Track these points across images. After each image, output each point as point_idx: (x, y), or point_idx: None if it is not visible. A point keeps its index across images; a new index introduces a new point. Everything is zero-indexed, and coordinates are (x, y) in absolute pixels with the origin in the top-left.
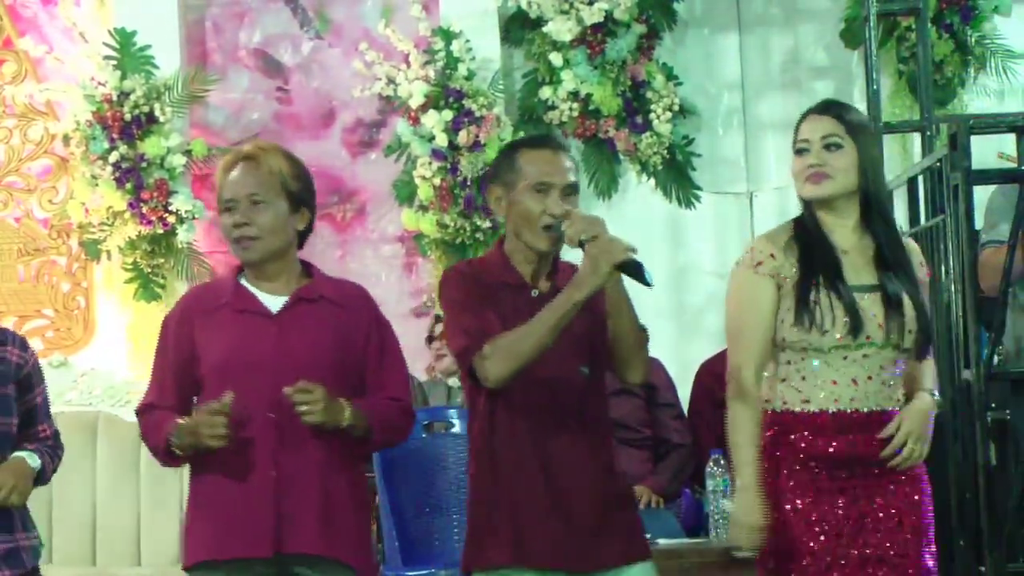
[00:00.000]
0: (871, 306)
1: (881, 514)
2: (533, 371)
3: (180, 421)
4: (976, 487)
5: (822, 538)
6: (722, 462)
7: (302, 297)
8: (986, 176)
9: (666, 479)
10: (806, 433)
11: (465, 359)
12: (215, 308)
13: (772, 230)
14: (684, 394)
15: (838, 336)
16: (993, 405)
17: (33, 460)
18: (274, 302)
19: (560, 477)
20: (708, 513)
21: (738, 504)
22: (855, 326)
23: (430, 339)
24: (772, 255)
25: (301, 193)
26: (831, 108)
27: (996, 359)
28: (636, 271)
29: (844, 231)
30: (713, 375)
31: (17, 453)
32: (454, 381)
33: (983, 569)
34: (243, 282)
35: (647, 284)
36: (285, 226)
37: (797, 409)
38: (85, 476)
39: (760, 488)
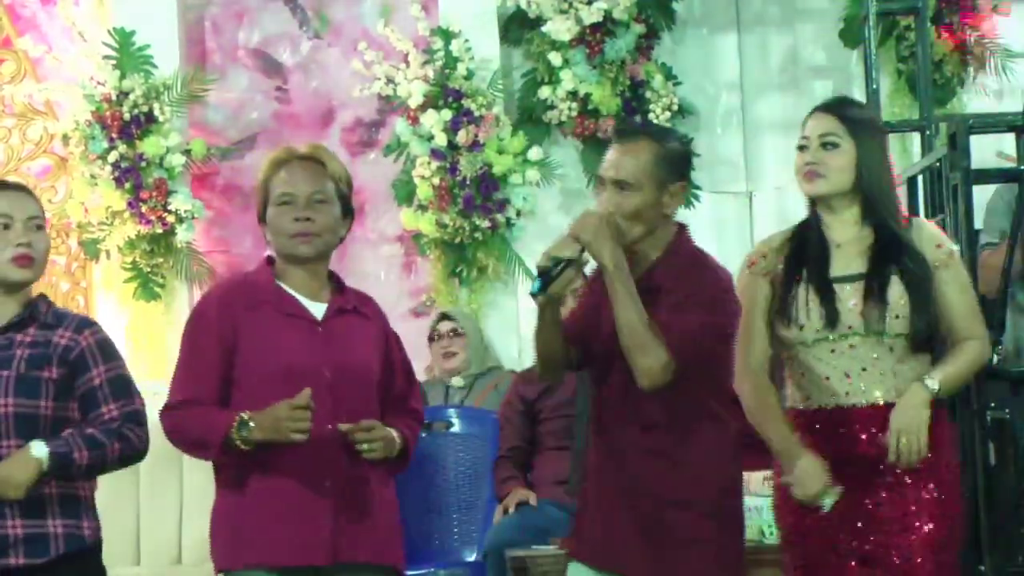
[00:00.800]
0: (851, 296)
1: (887, 512)
2: (604, 371)
3: (243, 414)
4: (976, 486)
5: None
6: None
7: (341, 307)
8: (985, 176)
9: None
10: (807, 430)
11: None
12: (257, 306)
13: (785, 229)
14: None
15: (815, 329)
16: (992, 404)
17: (38, 449)
18: (314, 308)
19: (619, 480)
20: None
21: (802, 471)
22: (830, 317)
23: (431, 338)
24: (764, 255)
25: (350, 201)
26: (835, 106)
27: (995, 358)
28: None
29: (843, 226)
30: None
31: (30, 443)
32: (456, 381)
33: (983, 568)
34: (282, 284)
35: (530, 293)
36: (337, 229)
37: (800, 407)
38: None
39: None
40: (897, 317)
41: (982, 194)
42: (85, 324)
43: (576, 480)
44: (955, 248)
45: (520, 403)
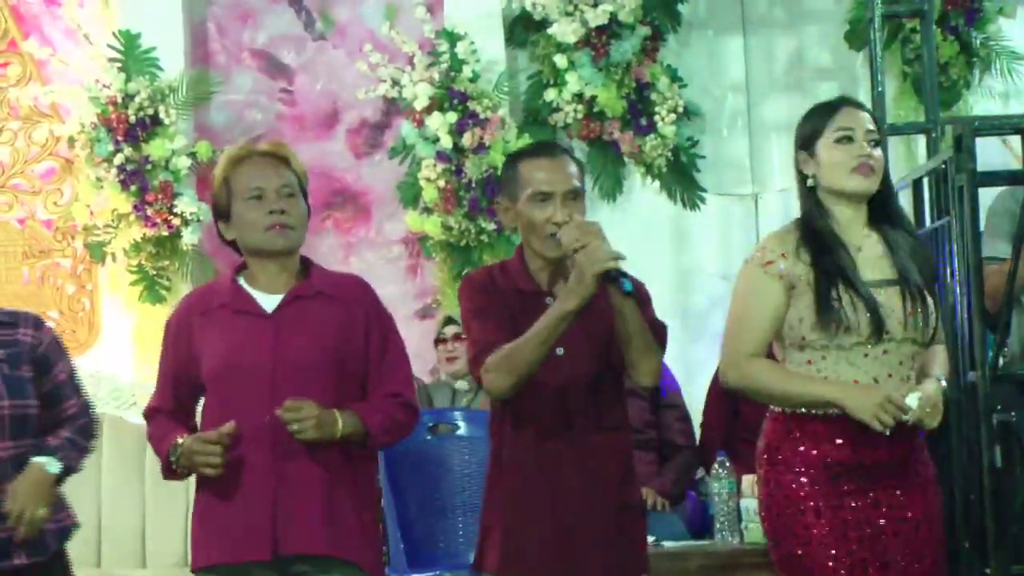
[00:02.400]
0: (889, 300)
1: (898, 518)
2: (543, 378)
3: (179, 440)
4: (981, 489)
5: (845, 543)
6: (727, 464)
7: (298, 295)
8: (991, 178)
9: (671, 481)
10: (825, 435)
11: (474, 370)
12: (212, 309)
13: (779, 230)
14: (689, 395)
15: (862, 334)
16: (998, 407)
17: (53, 466)
18: (270, 301)
19: (567, 485)
20: (713, 515)
21: (853, 400)
22: (877, 323)
23: (437, 342)
24: (783, 255)
25: (306, 195)
26: (861, 104)
27: (1001, 361)
28: (614, 280)
29: (856, 227)
30: None
31: (36, 459)
32: (461, 384)
33: (988, 571)
34: (241, 282)
35: (624, 293)
36: (306, 223)
37: (820, 412)
38: (90, 478)
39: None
40: (928, 326)
41: (988, 196)
42: (40, 321)
43: None
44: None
45: None
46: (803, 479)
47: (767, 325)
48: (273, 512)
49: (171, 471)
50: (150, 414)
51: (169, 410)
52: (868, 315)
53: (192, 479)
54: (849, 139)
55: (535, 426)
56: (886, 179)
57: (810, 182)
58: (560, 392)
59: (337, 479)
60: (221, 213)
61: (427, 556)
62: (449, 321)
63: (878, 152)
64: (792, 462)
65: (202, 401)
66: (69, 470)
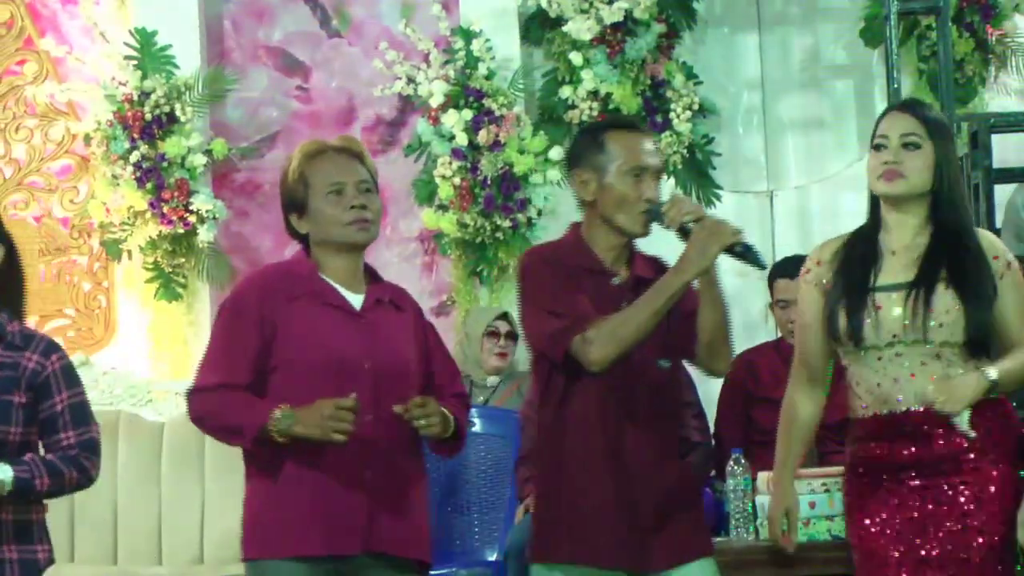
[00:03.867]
0: (895, 304)
1: (944, 514)
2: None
3: (287, 408)
4: None
5: (892, 544)
6: (743, 461)
7: (379, 298)
8: (1007, 174)
9: None
10: (865, 437)
11: (561, 342)
12: (297, 297)
13: (834, 238)
14: (703, 392)
15: (844, 343)
16: (1013, 404)
17: (3, 472)
18: (353, 299)
19: (629, 471)
20: (729, 512)
21: (771, 509)
22: (855, 331)
23: (487, 334)
24: (818, 262)
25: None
26: (913, 107)
27: None
28: (747, 253)
29: (904, 229)
30: (747, 367)
31: None
32: (493, 380)
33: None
34: (321, 274)
35: (760, 266)
36: (380, 219)
37: (858, 415)
38: (106, 475)
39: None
40: (941, 325)
41: (1004, 193)
42: (52, 348)
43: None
44: (1012, 259)
45: None
46: (849, 476)
47: (810, 337)
48: (369, 507)
49: (263, 441)
50: (211, 388)
51: (241, 386)
52: (849, 323)
53: (209, 478)
54: (882, 146)
55: (600, 411)
56: (940, 179)
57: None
58: (626, 378)
59: (416, 481)
60: (296, 207)
61: (443, 553)
62: (504, 317)
63: (916, 155)
64: (848, 463)
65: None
66: (28, 485)
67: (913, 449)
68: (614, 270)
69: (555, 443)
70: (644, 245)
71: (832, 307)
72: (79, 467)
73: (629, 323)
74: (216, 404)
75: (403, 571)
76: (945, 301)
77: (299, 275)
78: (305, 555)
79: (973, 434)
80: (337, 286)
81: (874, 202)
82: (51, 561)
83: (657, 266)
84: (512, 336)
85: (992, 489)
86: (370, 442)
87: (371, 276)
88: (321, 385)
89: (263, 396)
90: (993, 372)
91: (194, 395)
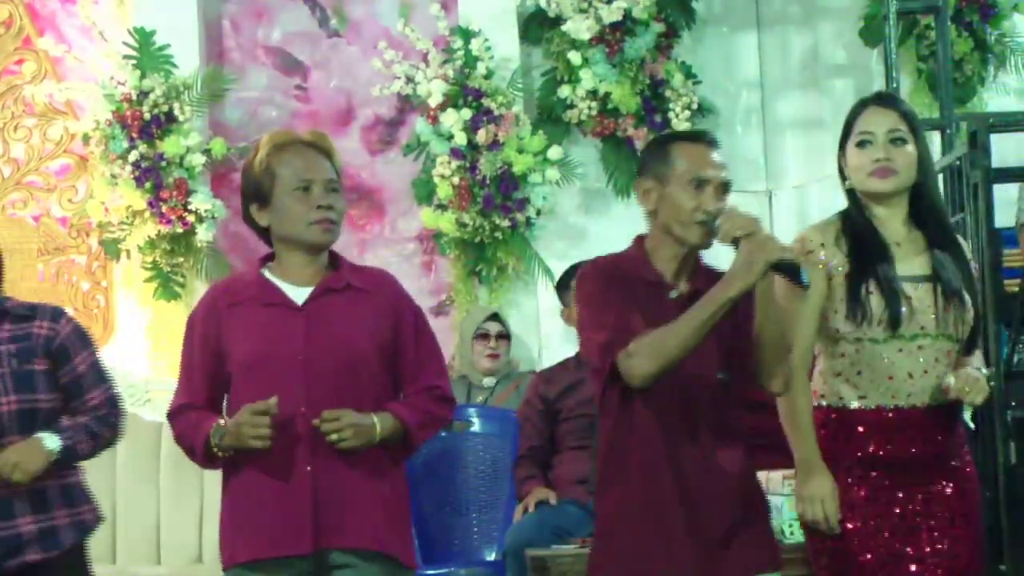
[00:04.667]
0: (924, 296)
1: (938, 512)
2: (671, 373)
3: (220, 421)
4: (996, 485)
5: (880, 537)
6: None
7: (329, 287)
8: (1006, 174)
9: None
10: (862, 430)
11: (608, 354)
12: (240, 302)
13: (820, 222)
14: None
15: (881, 325)
16: (1013, 404)
17: (52, 441)
18: (299, 294)
19: (691, 485)
20: None
21: (817, 491)
22: (894, 316)
23: (477, 336)
24: (822, 245)
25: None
26: (892, 101)
27: (1016, 358)
28: (791, 271)
29: (894, 224)
30: None
31: (38, 434)
32: (489, 381)
33: (1003, 568)
34: (267, 275)
35: (803, 286)
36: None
37: (854, 405)
38: (105, 475)
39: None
40: (964, 322)
41: (1002, 193)
42: (59, 313)
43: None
44: (976, 265)
45: (540, 403)
46: (838, 473)
47: (812, 318)
48: (314, 505)
49: (211, 457)
50: (177, 411)
51: (201, 404)
52: (887, 308)
53: (207, 477)
54: (868, 143)
55: (658, 425)
56: (923, 173)
57: (847, 183)
58: (684, 391)
59: (374, 473)
60: (259, 197)
61: (441, 553)
62: (494, 317)
63: (904, 151)
64: (829, 458)
65: (226, 397)
66: (72, 451)
67: (913, 448)
68: (673, 283)
69: (617, 454)
70: (716, 259)
71: (856, 290)
72: (110, 425)
73: (672, 338)
74: (179, 426)
75: (373, 564)
76: (966, 298)
77: (241, 282)
78: (256, 559)
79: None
80: (282, 283)
81: (855, 198)
82: (99, 519)
83: (718, 277)
84: (504, 336)
85: (973, 488)
86: (308, 437)
87: (335, 265)
88: (257, 384)
89: (230, 406)
90: (983, 368)
91: (169, 420)
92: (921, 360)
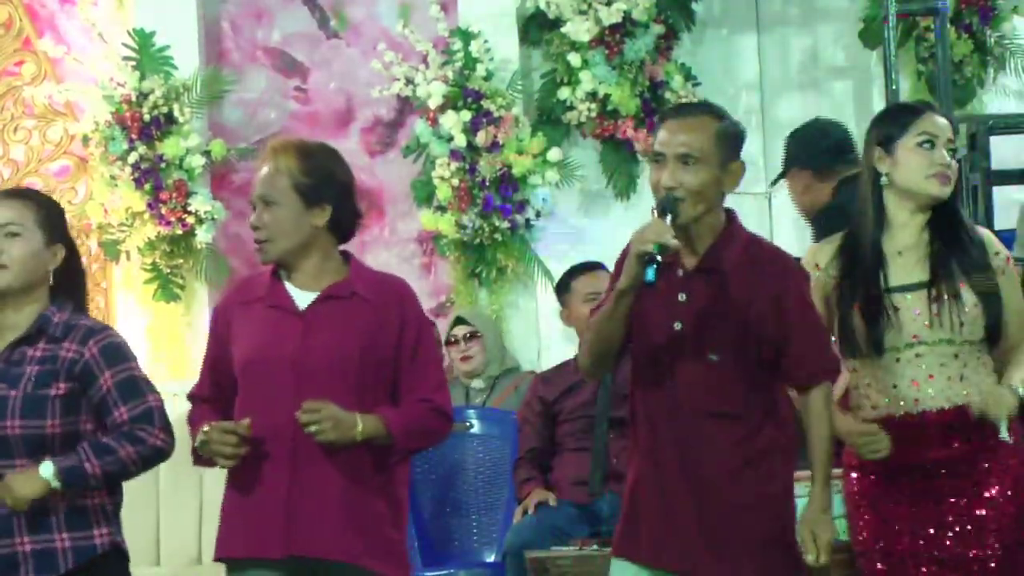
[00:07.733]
0: (914, 304)
1: (962, 515)
2: (658, 355)
3: (205, 427)
4: None
5: (890, 541)
6: None
7: (332, 295)
8: (1006, 176)
9: None
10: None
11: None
12: (250, 301)
13: (830, 237)
14: None
15: (863, 352)
16: None
17: (45, 468)
18: (305, 298)
19: (667, 475)
20: None
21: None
22: (876, 342)
23: (448, 342)
24: (817, 266)
25: (315, 189)
26: (945, 113)
27: None
28: (643, 265)
29: (911, 230)
30: None
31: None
32: (476, 383)
33: None
34: (281, 277)
35: (647, 283)
36: (299, 225)
37: (867, 416)
38: None
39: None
40: (963, 324)
41: (1002, 195)
42: (91, 334)
43: (599, 479)
44: (1008, 254)
45: (539, 404)
46: (854, 475)
47: None
48: (287, 511)
49: (198, 457)
50: (190, 399)
51: (206, 397)
52: (868, 333)
53: (207, 477)
54: (932, 144)
55: (647, 407)
56: (956, 184)
57: (884, 180)
58: (671, 370)
59: (361, 485)
60: None
61: (441, 555)
62: (459, 321)
63: (954, 162)
64: (851, 463)
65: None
66: (78, 474)
67: (930, 452)
68: (678, 260)
69: (631, 433)
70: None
71: (844, 315)
72: (132, 439)
73: (591, 330)
74: (189, 416)
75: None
76: (965, 297)
77: (256, 281)
78: (228, 557)
79: (1011, 439)
80: (293, 287)
81: (878, 202)
82: (115, 544)
83: (748, 256)
84: (474, 336)
85: (1009, 492)
86: (295, 442)
87: (346, 270)
88: (250, 386)
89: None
90: (1020, 386)
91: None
92: (923, 367)
